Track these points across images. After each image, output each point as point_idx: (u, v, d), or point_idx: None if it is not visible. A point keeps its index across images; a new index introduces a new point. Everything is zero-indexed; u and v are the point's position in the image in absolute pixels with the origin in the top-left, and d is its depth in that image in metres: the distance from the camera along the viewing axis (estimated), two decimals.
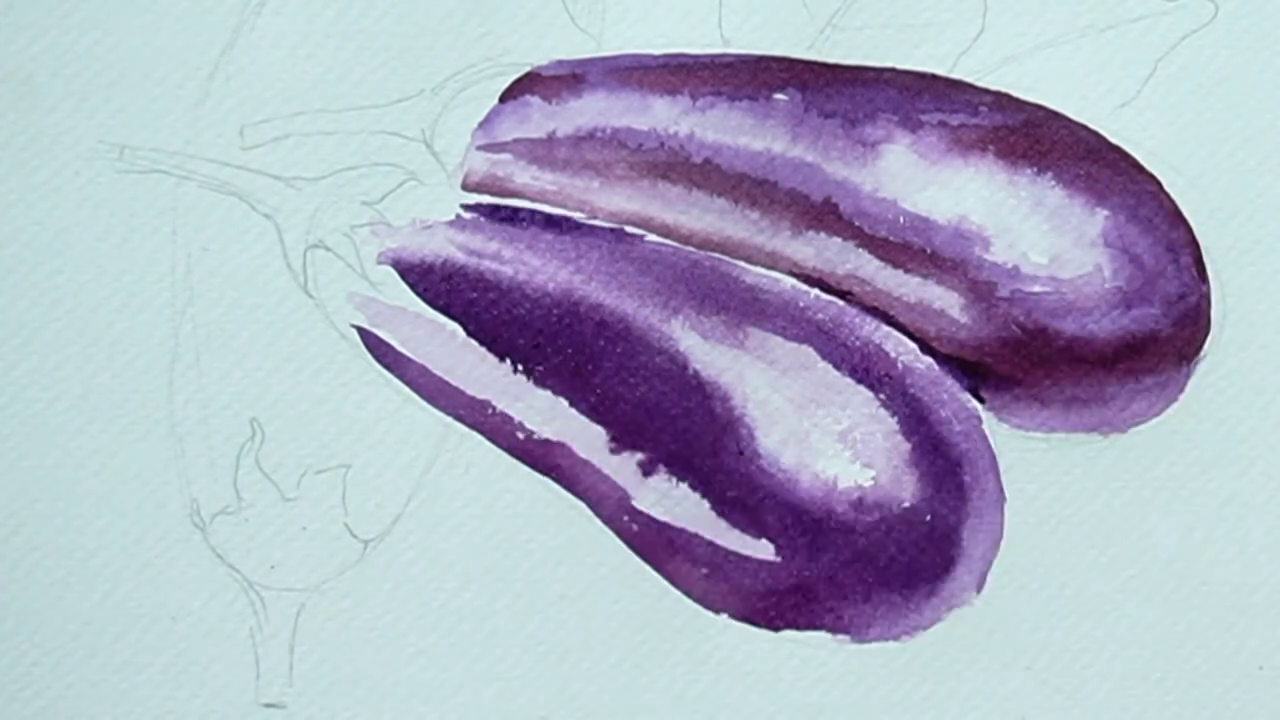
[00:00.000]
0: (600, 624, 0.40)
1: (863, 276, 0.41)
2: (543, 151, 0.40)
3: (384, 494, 0.39)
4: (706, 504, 0.39)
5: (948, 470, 0.40)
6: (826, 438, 0.40)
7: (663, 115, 0.40)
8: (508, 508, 0.40)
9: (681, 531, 0.40)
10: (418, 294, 0.40)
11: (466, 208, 0.40)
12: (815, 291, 0.41)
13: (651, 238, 0.41)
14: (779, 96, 0.41)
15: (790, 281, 0.41)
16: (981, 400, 0.41)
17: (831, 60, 0.41)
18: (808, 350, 0.40)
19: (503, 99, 0.40)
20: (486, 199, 0.41)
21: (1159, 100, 0.41)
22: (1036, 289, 0.41)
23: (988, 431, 0.41)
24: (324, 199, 0.39)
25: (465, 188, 0.40)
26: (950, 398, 0.41)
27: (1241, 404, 0.41)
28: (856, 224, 0.41)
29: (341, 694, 0.39)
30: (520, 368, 0.40)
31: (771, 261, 0.41)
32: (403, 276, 0.40)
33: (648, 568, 0.40)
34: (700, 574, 0.40)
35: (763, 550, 0.39)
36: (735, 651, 0.40)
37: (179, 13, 0.39)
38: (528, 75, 0.40)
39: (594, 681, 0.40)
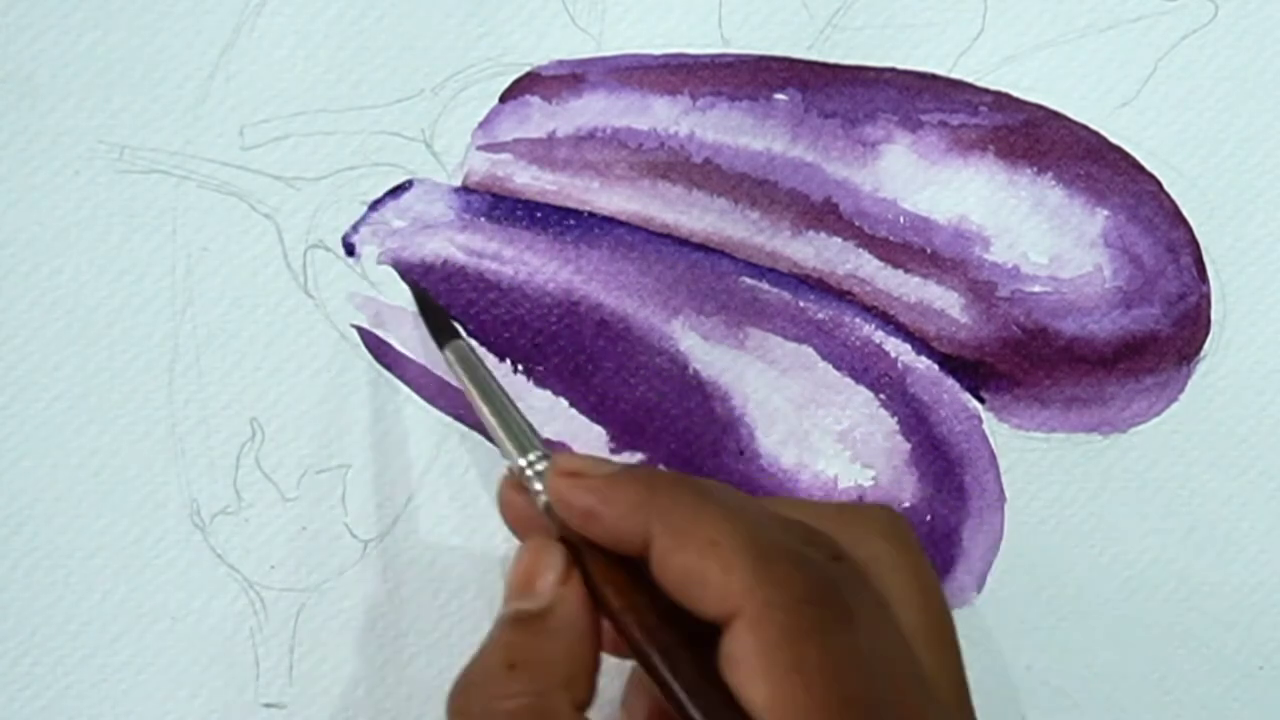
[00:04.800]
0: None
1: (863, 276, 0.41)
2: (543, 151, 0.40)
3: (384, 494, 0.39)
4: None
5: (948, 470, 0.40)
6: (826, 438, 0.40)
7: (663, 115, 0.40)
8: None
9: None
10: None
11: (466, 207, 0.40)
12: (815, 292, 0.41)
13: (652, 238, 0.41)
14: (779, 96, 0.41)
15: (790, 281, 0.41)
16: (981, 400, 0.41)
17: (831, 60, 0.41)
18: (808, 350, 0.40)
19: (503, 99, 0.40)
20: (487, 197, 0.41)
21: (1159, 100, 0.41)
22: (1036, 289, 0.41)
23: (988, 431, 0.41)
24: (324, 199, 0.39)
25: (465, 188, 0.40)
26: (950, 398, 0.41)
27: (1241, 404, 0.42)
28: (856, 224, 0.41)
29: (341, 694, 0.39)
30: (520, 368, 0.40)
31: (771, 261, 0.41)
32: (403, 277, 0.40)
33: None
34: None
35: None
36: None
37: (179, 13, 0.39)
38: (528, 75, 0.40)
39: None
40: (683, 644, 0.30)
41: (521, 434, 0.34)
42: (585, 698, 0.31)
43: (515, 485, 0.34)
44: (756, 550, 0.29)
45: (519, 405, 0.36)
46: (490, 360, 0.40)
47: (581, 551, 0.32)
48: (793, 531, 0.31)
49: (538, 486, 0.33)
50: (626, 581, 0.31)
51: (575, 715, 0.30)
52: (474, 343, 0.39)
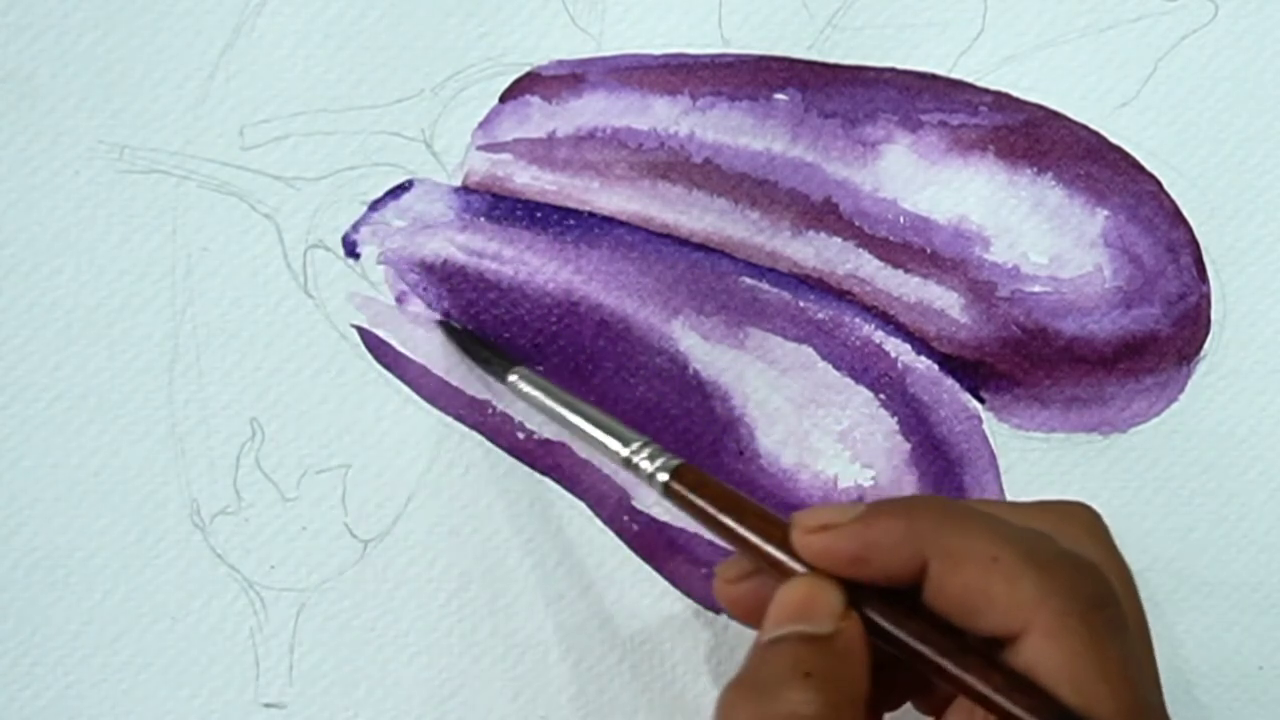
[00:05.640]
0: (600, 624, 0.40)
1: (863, 276, 0.41)
2: (543, 151, 0.40)
3: (384, 494, 0.39)
4: None
5: (948, 470, 0.40)
6: (826, 438, 0.40)
7: (663, 115, 0.40)
8: (508, 508, 0.40)
9: (681, 531, 0.40)
10: (418, 294, 0.40)
11: (466, 207, 0.40)
12: (815, 292, 0.41)
13: (652, 238, 0.41)
14: (779, 96, 0.41)
15: (790, 281, 0.41)
16: (981, 400, 0.41)
17: (831, 60, 0.41)
18: (808, 350, 0.40)
19: (503, 99, 0.40)
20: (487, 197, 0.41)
21: (1159, 100, 0.41)
22: (1036, 289, 0.41)
23: (988, 431, 0.41)
24: (324, 199, 0.39)
25: (465, 188, 0.40)
26: (950, 398, 0.41)
27: (1241, 404, 0.42)
28: (856, 224, 0.41)
29: (341, 694, 0.39)
30: None
31: (771, 261, 0.41)
32: (403, 276, 0.40)
33: (648, 568, 0.40)
34: (700, 574, 0.40)
35: None
36: (735, 652, 0.40)
37: (179, 13, 0.39)
38: (528, 75, 0.40)
39: (594, 681, 0.40)
40: (982, 659, 0.29)
41: (616, 429, 0.35)
42: None
43: (732, 578, 0.33)
44: (1036, 561, 0.29)
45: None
46: None
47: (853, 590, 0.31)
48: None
49: (646, 469, 0.34)
50: (903, 613, 0.30)
51: None
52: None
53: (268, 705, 0.39)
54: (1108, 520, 0.32)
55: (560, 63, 0.40)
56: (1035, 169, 0.41)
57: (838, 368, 0.40)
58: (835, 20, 0.41)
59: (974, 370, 0.41)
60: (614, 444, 0.35)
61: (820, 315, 0.41)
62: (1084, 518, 0.33)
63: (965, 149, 0.41)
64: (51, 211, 0.38)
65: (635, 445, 0.35)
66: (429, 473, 0.39)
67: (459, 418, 0.40)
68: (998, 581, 0.29)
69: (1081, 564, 0.30)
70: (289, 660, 0.39)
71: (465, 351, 0.39)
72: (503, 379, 0.38)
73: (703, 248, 0.41)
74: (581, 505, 0.40)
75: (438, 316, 0.40)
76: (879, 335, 0.41)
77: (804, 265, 0.41)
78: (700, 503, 0.33)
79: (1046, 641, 0.28)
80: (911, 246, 0.41)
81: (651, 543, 0.40)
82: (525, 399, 0.37)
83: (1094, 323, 0.41)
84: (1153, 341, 0.41)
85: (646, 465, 0.34)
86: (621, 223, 0.40)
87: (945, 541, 0.30)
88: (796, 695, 0.29)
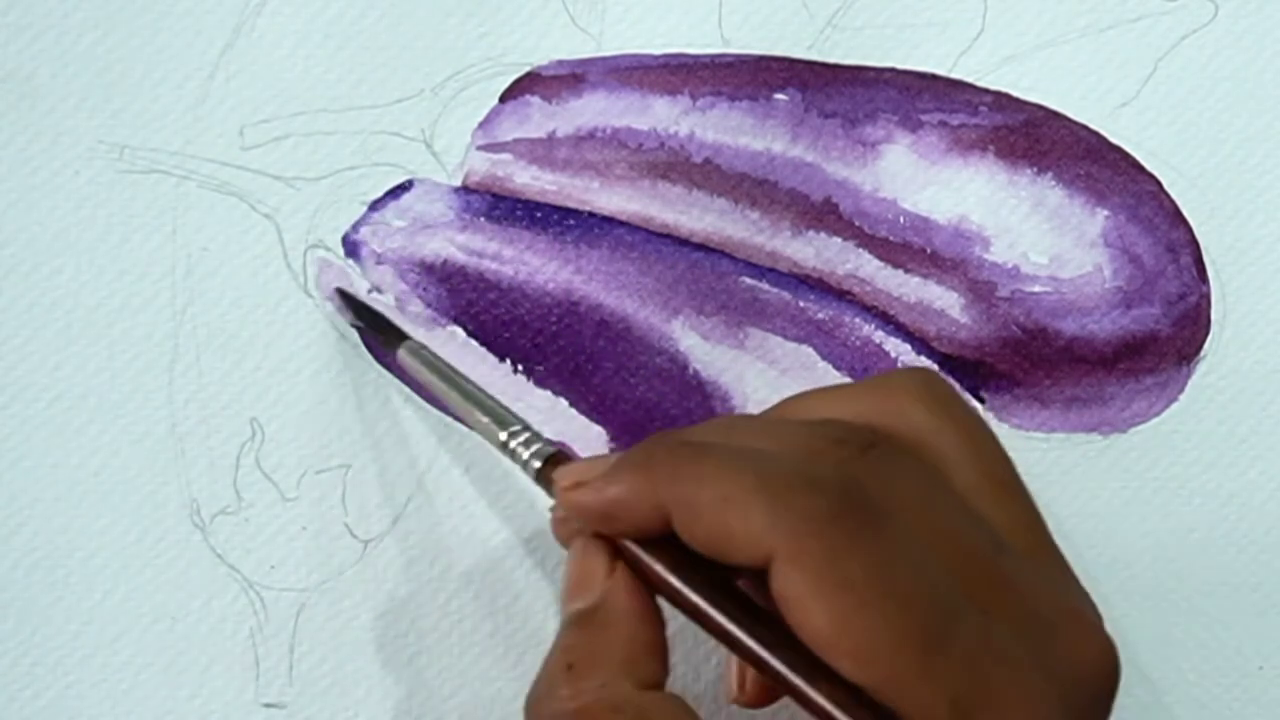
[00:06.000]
0: None
1: (863, 276, 0.41)
2: (543, 151, 0.40)
3: (384, 494, 0.39)
4: None
5: None
6: None
7: (663, 115, 0.40)
8: (508, 508, 0.40)
9: None
10: (418, 294, 0.40)
11: (466, 207, 0.40)
12: (815, 292, 0.41)
13: (652, 238, 0.41)
14: (779, 96, 0.41)
15: (790, 281, 0.41)
16: (981, 400, 0.41)
17: (831, 60, 0.41)
18: (808, 350, 0.40)
19: (503, 99, 0.40)
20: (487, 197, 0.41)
21: (1159, 100, 0.41)
22: (1036, 289, 0.41)
23: None
24: (324, 199, 0.39)
25: (465, 188, 0.40)
26: None
27: (1241, 404, 0.42)
28: (856, 224, 0.41)
29: (341, 694, 0.39)
30: (520, 368, 0.40)
31: (771, 261, 0.41)
32: (402, 276, 0.40)
33: None
34: None
35: None
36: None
37: (179, 13, 0.39)
38: (528, 75, 0.40)
39: None
40: (742, 600, 0.29)
41: (497, 411, 0.35)
42: (653, 676, 0.30)
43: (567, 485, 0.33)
44: (768, 487, 0.28)
45: (501, 398, 0.36)
46: (490, 360, 0.40)
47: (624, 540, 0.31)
48: (820, 432, 0.31)
49: (524, 456, 0.33)
50: (676, 559, 0.30)
51: (643, 695, 0.30)
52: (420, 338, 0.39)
53: (268, 705, 0.39)
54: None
55: (560, 63, 0.40)
56: (1035, 169, 0.41)
57: (838, 368, 0.40)
58: (835, 20, 0.41)
59: (974, 370, 0.41)
60: (492, 427, 0.34)
61: (820, 315, 0.41)
62: (913, 386, 0.32)
63: (965, 149, 0.41)
64: (51, 211, 0.38)
65: (515, 428, 0.34)
66: (429, 473, 0.39)
67: (459, 418, 0.40)
68: (733, 519, 0.28)
69: (816, 478, 0.29)
70: (289, 660, 0.39)
71: (360, 319, 0.39)
72: (393, 350, 0.37)
73: (703, 248, 0.41)
74: None
75: (441, 320, 0.40)
76: (879, 335, 0.41)
77: (804, 265, 0.41)
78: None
79: (788, 566, 0.28)
80: (911, 246, 0.41)
81: None
82: (412, 373, 0.37)
83: (1094, 323, 0.41)
84: (1153, 341, 0.41)
85: (522, 451, 0.34)
86: (621, 223, 0.40)
87: (680, 490, 0.29)
88: (563, 691, 0.29)
